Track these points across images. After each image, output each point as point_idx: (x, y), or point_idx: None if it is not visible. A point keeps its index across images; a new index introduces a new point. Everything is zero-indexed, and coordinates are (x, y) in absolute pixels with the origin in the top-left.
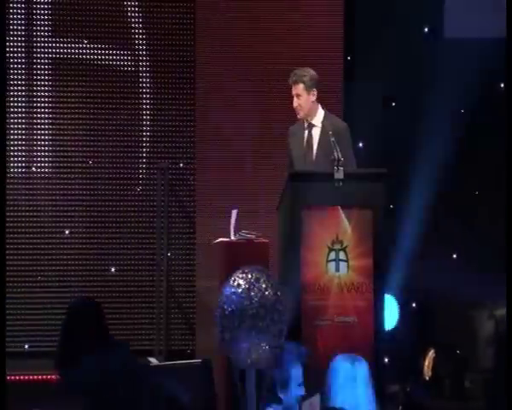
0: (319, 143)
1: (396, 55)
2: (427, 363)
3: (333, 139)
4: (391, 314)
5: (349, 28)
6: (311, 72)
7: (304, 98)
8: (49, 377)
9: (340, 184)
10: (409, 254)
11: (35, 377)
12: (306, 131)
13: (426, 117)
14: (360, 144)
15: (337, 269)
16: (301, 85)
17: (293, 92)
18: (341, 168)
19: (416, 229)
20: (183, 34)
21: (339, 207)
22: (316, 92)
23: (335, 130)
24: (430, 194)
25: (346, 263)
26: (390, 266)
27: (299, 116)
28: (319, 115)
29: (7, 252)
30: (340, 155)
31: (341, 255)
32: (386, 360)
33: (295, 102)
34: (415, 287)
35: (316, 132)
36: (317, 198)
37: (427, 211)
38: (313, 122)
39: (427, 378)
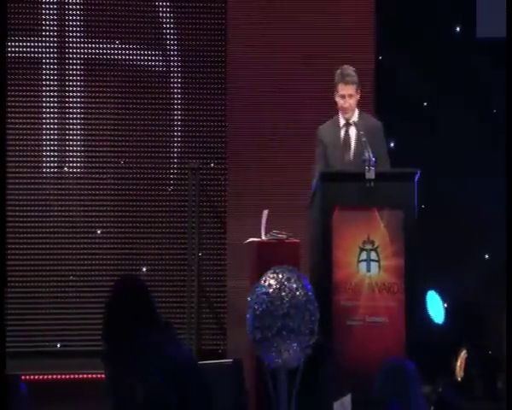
0: (356, 142)
1: (427, 55)
2: (459, 363)
3: (364, 139)
4: (438, 309)
5: (380, 28)
6: (355, 71)
7: (355, 99)
8: (81, 376)
9: (372, 184)
10: (440, 254)
11: (67, 376)
12: (343, 130)
13: (457, 117)
14: (392, 144)
15: (368, 269)
16: (354, 86)
17: (345, 92)
18: (373, 168)
19: (448, 228)
20: (213, 34)
21: (375, 211)
22: (359, 92)
23: (369, 129)
24: (461, 193)
25: (377, 263)
26: (421, 266)
27: (346, 116)
28: (355, 114)
29: (40, 252)
30: (371, 155)
31: (373, 255)
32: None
33: (346, 102)
34: (446, 287)
35: (353, 131)
36: (348, 198)
37: (458, 211)
38: (351, 121)
39: (459, 379)
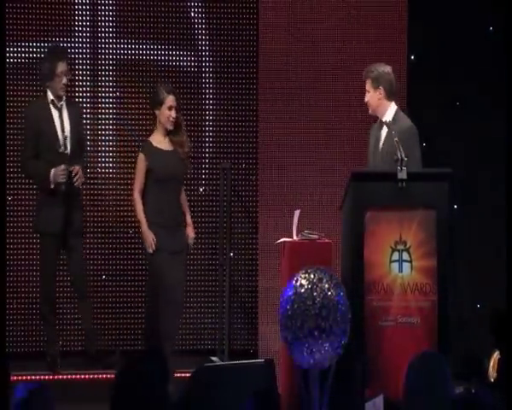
0: (384, 143)
1: (460, 55)
2: (491, 364)
3: (396, 139)
4: None
5: (413, 27)
6: (381, 68)
7: (370, 95)
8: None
9: (404, 184)
10: (475, 254)
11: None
12: (379, 130)
13: (490, 117)
14: (424, 144)
15: (400, 270)
16: (369, 81)
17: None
18: (404, 168)
19: (482, 229)
20: (245, 34)
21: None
22: (382, 90)
23: (400, 129)
24: (496, 194)
25: (409, 264)
26: (455, 266)
27: (373, 113)
28: (389, 114)
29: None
30: (403, 155)
31: (405, 256)
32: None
33: (365, 98)
34: (479, 287)
35: (384, 131)
36: (380, 198)
37: (493, 212)
38: (383, 120)
39: (492, 380)
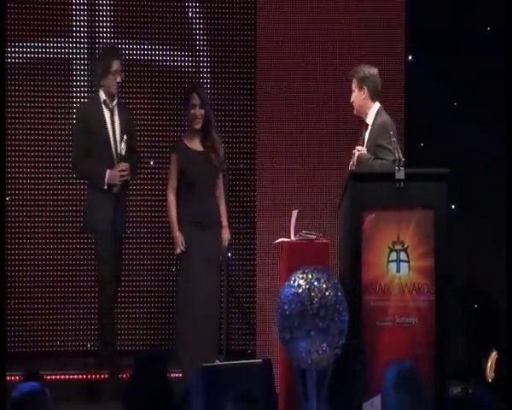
0: (366, 143)
1: (458, 55)
2: (489, 364)
3: (394, 139)
4: None
5: (410, 27)
6: (366, 69)
7: (355, 94)
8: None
9: (402, 184)
10: (470, 254)
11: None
12: (364, 132)
13: (488, 118)
14: (421, 144)
15: (398, 270)
16: (354, 81)
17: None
18: (402, 168)
19: (478, 229)
20: (243, 34)
21: (405, 211)
22: (366, 90)
23: (376, 125)
24: (494, 194)
25: (407, 264)
26: (452, 266)
27: (354, 112)
28: (371, 115)
29: (69, 252)
30: (401, 155)
31: (402, 256)
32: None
33: (351, 97)
34: (476, 287)
35: (366, 133)
36: (377, 198)
37: (490, 211)
38: (367, 121)
39: (490, 380)
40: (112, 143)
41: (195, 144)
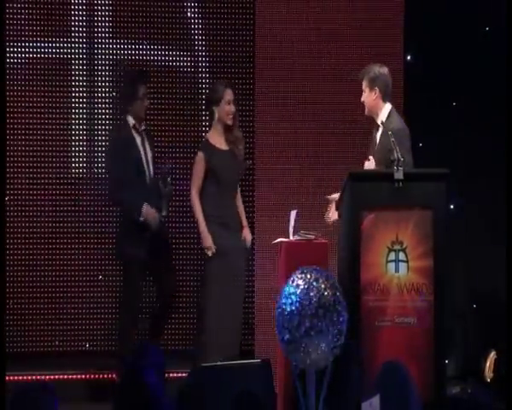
0: (379, 144)
1: (457, 54)
2: (488, 364)
3: (393, 139)
4: None
5: (409, 27)
6: (376, 69)
7: (366, 95)
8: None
9: (400, 184)
10: (467, 254)
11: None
12: (375, 132)
13: (487, 117)
14: (420, 144)
15: (397, 270)
16: (365, 81)
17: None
18: (401, 168)
19: (478, 229)
20: (242, 34)
21: (404, 211)
22: (377, 91)
23: (392, 131)
24: (494, 195)
25: (405, 264)
26: (451, 266)
27: (365, 113)
28: (382, 115)
29: (68, 252)
30: (399, 155)
31: (401, 256)
32: (447, 361)
33: (362, 97)
34: (475, 287)
35: (378, 133)
36: (376, 198)
37: (489, 212)
38: (378, 122)
39: (489, 380)
40: (145, 168)
41: (221, 143)
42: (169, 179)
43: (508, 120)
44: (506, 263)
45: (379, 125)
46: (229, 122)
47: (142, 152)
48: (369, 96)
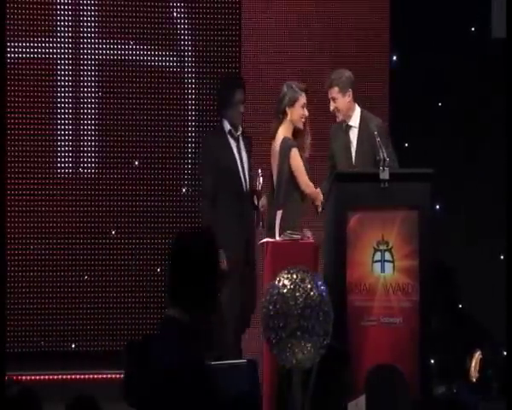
0: (357, 145)
1: (442, 55)
2: (473, 364)
3: (378, 139)
4: None
5: (395, 28)
6: (346, 73)
7: (340, 101)
8: (95, 376)
9: (386, 184)
10: (456, 255)
11: (81, 376)
12: (344, 134)
13: (472, 117)
14: (406, 144)
15: (383, 270)
16: (336, 88)
17: (329, 96)
18: (387, 169)
19: (464, 230)
20: (228, 34)
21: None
22: (351, 93)
23: (372, 130)
24: (478, 194)
25: (391, 264)
26: (436, 267)
27: (338, 120)
28: (356, 116)
29: (57, 252)
30: (385, 155)
31: (387, 256)
32: (432, 361)
33: (331, 106)
34: (461, 287)
35: (353, 134)
36: (362, 199)
37: (475, 211)
38: (350, 123)
39: (474, 380)
40: (242, 177)
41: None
42: (260, 187)
43: (508, 119)
44: (506, 263)
45: (350, 126)
46: (301, 126)
47: (238, 160)
48: (343, 101)
